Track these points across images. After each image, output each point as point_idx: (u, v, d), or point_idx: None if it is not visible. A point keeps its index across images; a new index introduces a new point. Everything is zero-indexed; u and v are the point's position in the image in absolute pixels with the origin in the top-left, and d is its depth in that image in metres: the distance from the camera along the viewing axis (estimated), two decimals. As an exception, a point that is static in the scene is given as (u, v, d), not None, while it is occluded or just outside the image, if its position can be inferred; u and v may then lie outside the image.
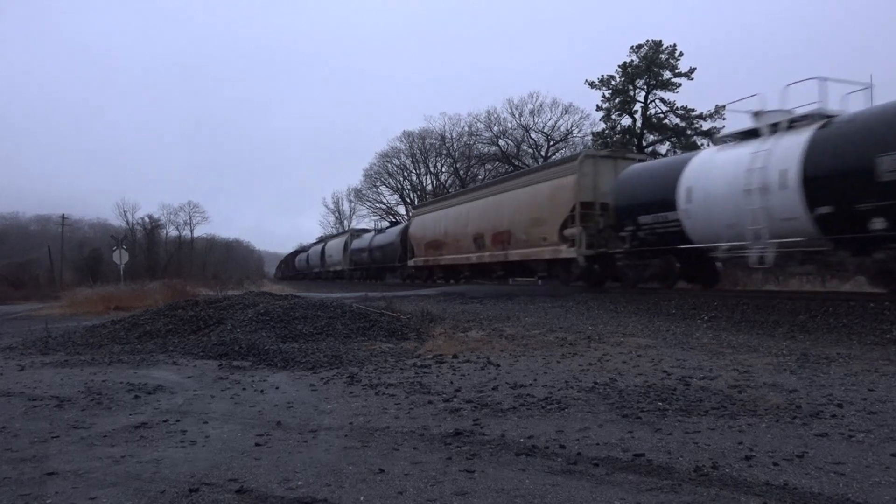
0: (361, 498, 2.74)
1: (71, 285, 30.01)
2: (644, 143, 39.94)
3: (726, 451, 3.31)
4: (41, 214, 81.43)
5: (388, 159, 57.38)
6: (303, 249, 63.87)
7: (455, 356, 6.86)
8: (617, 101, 40.72)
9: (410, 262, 27.21)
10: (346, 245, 40.81)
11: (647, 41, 39.48)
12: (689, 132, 38.82)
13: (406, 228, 29.73)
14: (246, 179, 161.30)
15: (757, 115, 11.46)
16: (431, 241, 24.88)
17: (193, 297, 11.89)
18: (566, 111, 46.23)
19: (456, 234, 22.53)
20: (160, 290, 18.43)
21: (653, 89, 39.99)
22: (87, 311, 15.82)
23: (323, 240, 58.46)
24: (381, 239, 34.00)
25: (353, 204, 67.52)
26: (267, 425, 4.06)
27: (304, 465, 3.19)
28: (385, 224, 51.09)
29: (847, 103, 10.57)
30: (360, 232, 42.13)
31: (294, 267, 63.86)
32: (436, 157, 55.19)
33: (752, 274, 16.17)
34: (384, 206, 59.99)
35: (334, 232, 66.05)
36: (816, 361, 6.33)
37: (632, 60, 39.90)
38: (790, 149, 10.28)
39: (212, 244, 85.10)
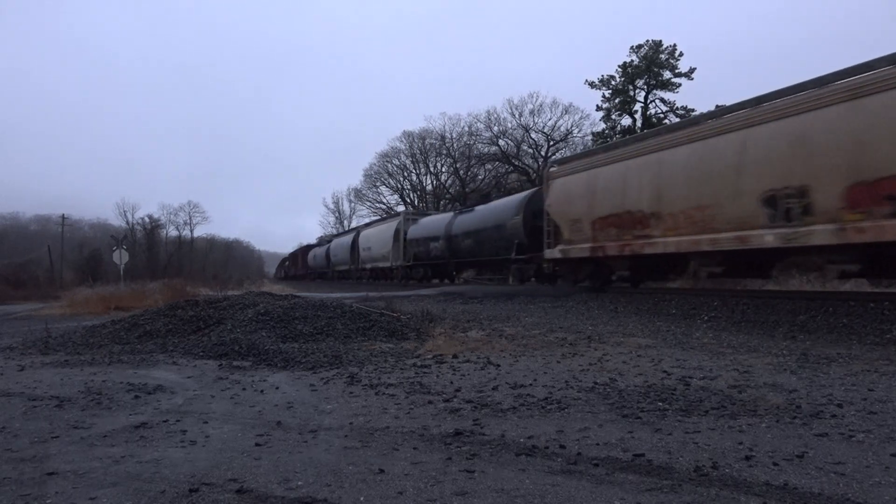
0: (361, 498, 2.74)
1: (71, 285, 30.03)
2: (644, 143, 39.91)
3: (726, 451, 3.31)
4: (41, 214, 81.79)
5: (388, 159, 57.58)
6: (318, 243, 54.95)
7: (455, 356, 6.86)
8: (617, 101, 40.79)
9: (554, 252, 15.71)
10: (397, 233, 29.57)
11: (647, 41, 39.59)
12: (689, 132, 38.76)
13: (534, 198, 18.29)
14: (246, 179, 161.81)
15: None
16: (613, 216, 13.62)
17: (193, 297, 11.89)
18: (566, 111, 46.41)
19: (698, 195, 11.32)
20: (160, 290, 18.45)
21: (653, 89, 40.07)
22: (87, 311, 15.83)
23: (344, 232, 49.40)
24: (475, 219, 22.29)
25: (353, 204, 67.57)
26: (267, 425, 4.06)
27: (304, 465, 3.19)
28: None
29: None
30: (417, 215, 31.27)
31: (306, 265, 54.04)
32: (436, 157, 55.35)
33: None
34: (384, 206, 60.05)
35: (335, 232, 65.42)
36: (816, 361, 6.33)
37: (632, 60, 39.98)
38: None
39: (212, 244, 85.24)
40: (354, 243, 37.29)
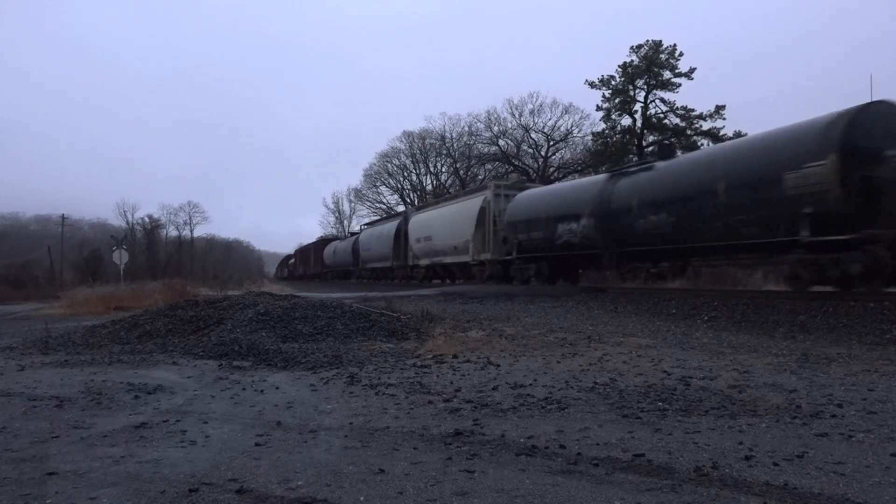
0: (361, 498, 2.74)
1: (71, 285, 29.98)
2: (644, 144, 39.97)
3: (726, 451, 3.31)
4: (41, 214, 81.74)
5: (388, 159, 57.56)
6: (339, 237, 47.84)
7: (455, 356, 6.86)
8: (617, 101, 40.73)
9: None
10: (482, 214, 20.82)
11: (647, 41, 39.52)
12: (689, 132, 38.85)
13: (864, 119, 9.65)
14: (246, 179, 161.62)
15: None
16: None
17: (193, 297, 11.89)
18: (566, 111, 46.42)
19: None
20: (160, 290, 18.42)
21: (653, 89, 40.00)
22: (87, 311, 15.82)
23: (380, 220, 40.41)
24: (673, 178, 13.07)
25: (353, 204, 67.41)
26: (267, 425, 4.06)
27: (304, 465, 3.19)
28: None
29: None
30: (514, 188, 21.22)
31: (321, 262, 46.13)
32: (436, 157, 55.35)
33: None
34: (384, 206, 60.01)
35: (335, 232, 64.37)
36: (816, 361, 6.33)
37: (632, 60, 39.93)
38: None
39: (212, 244, 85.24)
40: (400, 233, 28.92)
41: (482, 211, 20.96)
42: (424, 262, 25.97)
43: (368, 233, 35.55)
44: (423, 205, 33.76)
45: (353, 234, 44.33)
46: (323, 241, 49.73)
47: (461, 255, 22.25)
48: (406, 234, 28.16)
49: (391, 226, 30.98)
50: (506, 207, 19.70)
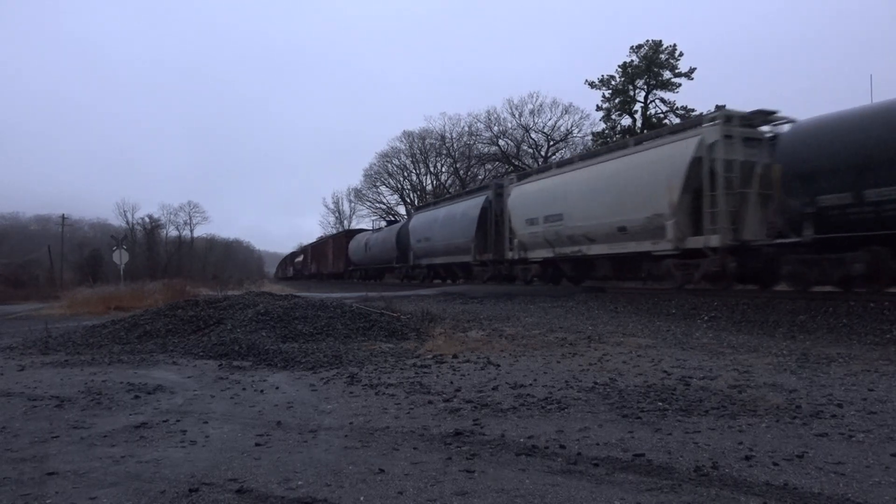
0: (361, 498, 2.74)
1: (71, 285, 29.98)
2: (644, 143, 39.94)
3: (726, 451, 3.31)
4: (41, 214, 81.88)
5: (388, 159, 57.42)
6: (368, 229, 38.02)
7: (455, 356, 6.86)
8: (617, 101, 40.76)
9: None
10: (695, 168, 11.64)
11: (647, 41, 39.55)
12: (689, 132, 38.75)
13: None
14: (246, 179, 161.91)
15: None
16: None
17: (193, 297, 11.89)
18: (566, 111, 46.33)
19: None
20: (160, 290, 18.43)
21: (653, 89, 40.03)
22: (87, 311, 15.82)
23: (441, 200, 28.36)
24: None
25: (353, 204, 67.15)
26: (267, 425, 4.06)
27: (304, 465, 3.19)
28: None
29: None
30: (753, 118, 11.59)
31: (344, 258, 37.24)
32: (436, 157, 55.26)
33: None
34: (384, 206, 59.88)
35: (335, 231, 63.62)
36: (816, 361, 6.33)
37: (632, 60, 39.95)
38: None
39: (212, 244, 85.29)
40: (487, 214, 20.34)
41: (694, 164, 11.89)
42: (538, 254, 17.49)
43: (426, 216, 25.72)
44: (531, 171, 22.40)
45: (390, 222, 35.80)
46: (347, 233, 40.44)
47: (636, 240, 13.42)
48: (500, 214, 19.66)
49: (471, 204, 21.52)
50: (753, 157, 11.32)
